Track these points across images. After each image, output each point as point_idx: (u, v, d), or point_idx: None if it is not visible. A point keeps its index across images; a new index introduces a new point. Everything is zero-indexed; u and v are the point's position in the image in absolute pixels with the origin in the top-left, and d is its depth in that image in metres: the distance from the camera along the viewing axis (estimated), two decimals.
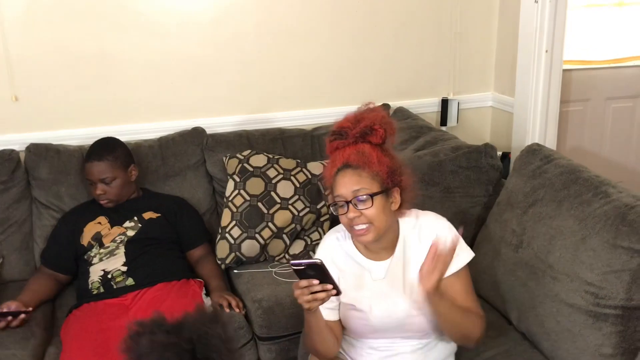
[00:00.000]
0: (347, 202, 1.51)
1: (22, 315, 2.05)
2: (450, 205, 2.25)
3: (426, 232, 1.61)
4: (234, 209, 2.47)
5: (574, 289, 1.72)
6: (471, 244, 2.22)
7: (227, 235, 2.44)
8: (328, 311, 1.61)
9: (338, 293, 1.47)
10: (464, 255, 1.62)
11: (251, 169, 2.52)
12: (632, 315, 1.61)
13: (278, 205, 2.45)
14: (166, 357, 0.98)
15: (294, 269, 1.42)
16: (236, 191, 2.49)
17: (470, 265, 2.15)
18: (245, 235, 2.42)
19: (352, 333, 1.68)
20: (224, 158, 2.59)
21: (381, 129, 1.53)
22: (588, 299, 1.68)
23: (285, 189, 2.48)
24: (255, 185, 2.49)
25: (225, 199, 2.52)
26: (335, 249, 1.67)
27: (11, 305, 2.07)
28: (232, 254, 2.41)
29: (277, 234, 2.44)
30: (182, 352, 0.99)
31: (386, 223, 1.55)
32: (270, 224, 2.43)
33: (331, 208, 1.58)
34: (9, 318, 2.04)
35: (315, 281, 1.42)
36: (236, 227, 2.44)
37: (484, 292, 2.08)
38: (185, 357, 0.99)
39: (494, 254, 2.03)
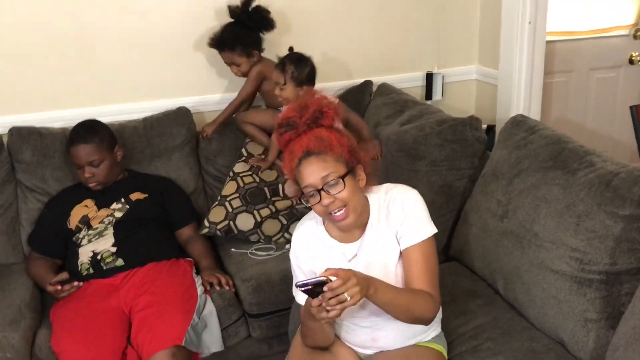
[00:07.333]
0: (319, 190, 1.49)
1: (75, 283, 2.11)
2: (436, 178, 2.26)
3: (395, 204, 1.60)
4: (241, 184, 2.51)
5: (559, 255, 1.74)
6: (457, 216, 2.24)
7: (226, 203, 2.45)
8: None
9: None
10: (427, 228, 1.59)
11: None
12: (615, 280, 1.64)
13: (280, 197, 2.50)
14: None
15: (303, 290, 1.37)
16: (250, 172, 2.54)
17: (458, 236, 2.20)
18: (244, 208, 2.44)
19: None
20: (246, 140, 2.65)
21: (330, 111, 1.53)
22: (573, 265, 1.70)
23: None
24: (270, 174, 2.56)
25: (233, 173, 2.54)
26: (309, 237, 1.67)
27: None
28: (226, 222, 2.40)
29: (274, 214, 2.44)
30: None
31: (360, 201, 1.56)
32: (270, 206, 2.46)
33: (302, 200, 1.55)
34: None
35: (328, 294, 1.35)
36: (238, 199, 2.46)
37: (471, 263, 2.11)
38: None
39: (481, 225, 2.05)
